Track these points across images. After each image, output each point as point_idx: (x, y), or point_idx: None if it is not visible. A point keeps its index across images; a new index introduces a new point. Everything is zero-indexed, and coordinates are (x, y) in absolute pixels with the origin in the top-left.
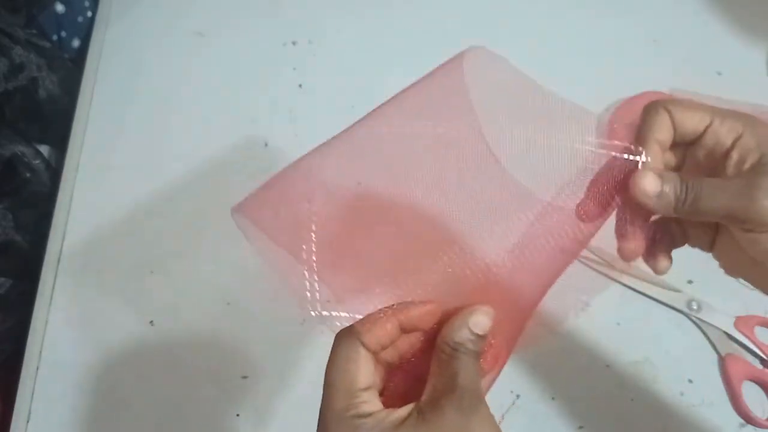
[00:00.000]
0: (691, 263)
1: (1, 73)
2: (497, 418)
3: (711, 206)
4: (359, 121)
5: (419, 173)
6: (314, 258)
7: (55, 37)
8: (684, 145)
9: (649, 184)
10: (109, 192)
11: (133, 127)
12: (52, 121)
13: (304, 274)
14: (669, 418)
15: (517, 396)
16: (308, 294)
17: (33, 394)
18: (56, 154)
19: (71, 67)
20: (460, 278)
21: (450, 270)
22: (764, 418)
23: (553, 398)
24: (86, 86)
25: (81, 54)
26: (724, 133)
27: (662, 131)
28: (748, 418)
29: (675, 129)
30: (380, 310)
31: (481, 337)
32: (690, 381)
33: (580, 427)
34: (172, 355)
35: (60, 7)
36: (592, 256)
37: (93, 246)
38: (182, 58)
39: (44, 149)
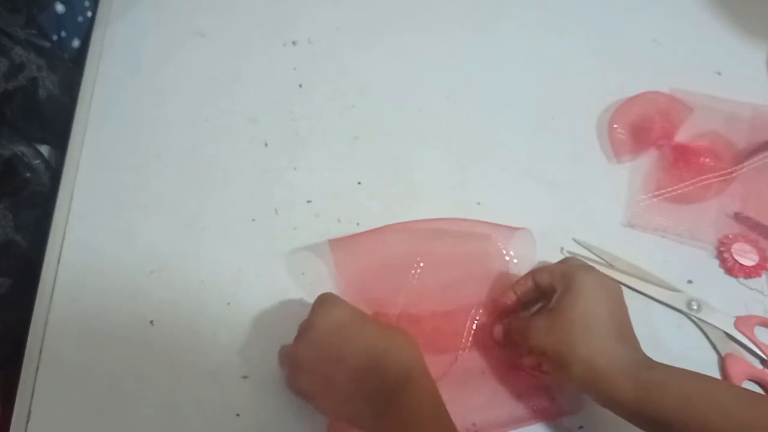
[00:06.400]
0: (691, 263)
1: (1, 73)
2: None
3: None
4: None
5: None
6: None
7: (55, 37)
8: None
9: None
10: (109, 192)
11: (133, 127)
12: (52, 121)
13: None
14: None
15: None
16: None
17: (33, 394)
18: (56, 154)
19: (71, 67)
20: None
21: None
22: None
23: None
24: (86, 86)
25: (81, 54)
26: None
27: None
28: None
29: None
30: None
31: None
32: None
33: (580, 427)
34: (172, 355)
35: (60, 7)
36: (592, 256)
37: (93, 246)
38: (182, 58)
39: (44, 149)
